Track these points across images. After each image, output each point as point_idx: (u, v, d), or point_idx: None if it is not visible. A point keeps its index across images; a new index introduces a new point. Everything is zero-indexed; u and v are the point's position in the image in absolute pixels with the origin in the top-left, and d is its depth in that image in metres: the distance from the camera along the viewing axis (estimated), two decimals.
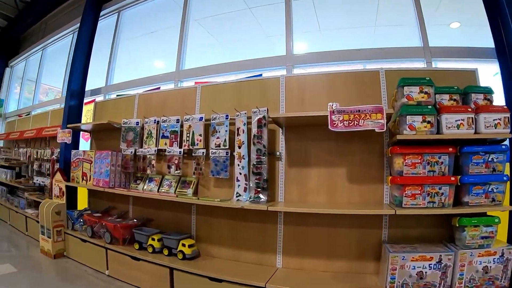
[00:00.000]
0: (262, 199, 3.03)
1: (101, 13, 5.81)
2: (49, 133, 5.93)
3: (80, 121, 5.32)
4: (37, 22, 8.11)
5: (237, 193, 3.23)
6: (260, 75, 4.21)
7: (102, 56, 5.79)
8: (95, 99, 5.45)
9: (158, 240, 3.60)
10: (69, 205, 4.88)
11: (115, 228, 3.90)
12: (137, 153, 4.14)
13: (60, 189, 4.99)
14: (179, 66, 4.70)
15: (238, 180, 3.25)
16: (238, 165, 3.25)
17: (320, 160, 3.14)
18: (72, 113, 5.27)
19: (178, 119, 3.85)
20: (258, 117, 3.13)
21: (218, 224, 3.56)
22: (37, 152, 6.25)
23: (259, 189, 3.08)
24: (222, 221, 3.51)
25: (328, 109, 2.66)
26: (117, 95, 5.27)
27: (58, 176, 5.03)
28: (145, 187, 4.06)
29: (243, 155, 3.21)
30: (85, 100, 5.70)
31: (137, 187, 4.14)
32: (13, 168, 7.09)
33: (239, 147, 3.25)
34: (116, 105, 4.77)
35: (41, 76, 8.02)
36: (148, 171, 4.01)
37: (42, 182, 6.08)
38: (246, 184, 3.17)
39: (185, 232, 3.68)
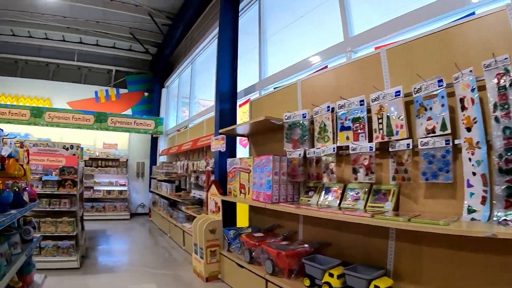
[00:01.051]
0: None
1: (241, 6, 5.30)
2: (204, 143, 5.71)
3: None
4: (182, 39, 8.68)
5: (468, 206, 2.00)
6: (473, 13, 2.46)
7: (253, 53, 5.22)
8: (249, 99, 4.83)
9: (338, 277, 2.42)
10: (226, 222, 4.25)
11: (278, 256, 2.87)
12: (307, 155, 3.06)
13: (216, 203, 4.44)
14: (348, 31, 3.43)
15: (470, 186, 2.02)
16: (470, 159, 1.99)
17: None
18: (225, 117, 4.76)
19: (363, 100, 2.65)
20: (498, 73, 1.81)
21: (431, 256, 2.15)
22: (193, 164, 6.16)
23: None
24: (437, 251, 2.13)
25: None
26: (274, 88, 4.44)
27: (213, 189, 4.51)
28: (320, 200, 2.93)
29: (478, 143, 1.93)
30: (239, 102, 5.19)
31: (309, 201, 3.04)
32: (172, 182, 7.39)
33: (469, 130, 1.97)
34: (274, 99, 3.93)
35: (193, 88, 8.42)
36: (325, 179, 2.86)
37: (199, 195, 5.88)
38: (485, 191, 1.91)
39: (378, 266, 2.48)
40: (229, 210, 4.34)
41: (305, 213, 2.82)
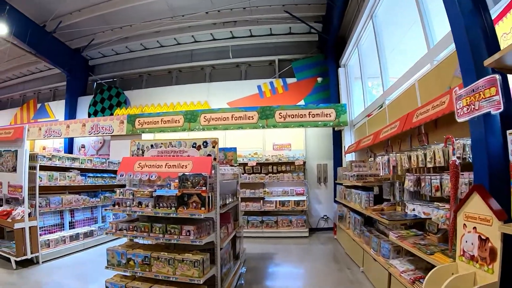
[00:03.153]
0: None
1: None
2: (424, 117, 2.73)
3: None
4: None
5: None
6: None
7: None
8: None
9: None
10: None
11: None
12: None
13: (484, 240, 1.35)
14: None
15: None
16: None
17: None
18: (476, 41, 2.15)
19: None
20: None
21: None
22: (405, 158, 3.21)
23: None
24: None
25: None
26: None
27: (475, 204, 1.53)
28: None
29: None
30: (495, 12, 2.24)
31: None
32: (369, 189, 4.63)
33: None
34: None
35: (382, 49, 5.43)
36: None
37: (422, 212, 2.85)
38: None
39: None
40: None
41: None
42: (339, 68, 8.13)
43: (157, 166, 3.37)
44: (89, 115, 9.69)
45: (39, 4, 7.83)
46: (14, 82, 12.25)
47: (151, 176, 3.28)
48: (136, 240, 3.61)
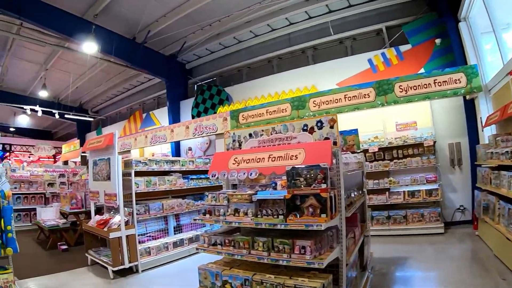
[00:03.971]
0: None
1: None
2: None
3: None
4: None
5: None
6: None
7: None
8: None
9: None
10: None
11: None
12: None
13: None
14: None
15: None
16: None
17: None
18: None
19: None
20: None
21: None
22: None
23: None
24: None
25: None
26: None
27: None
28: None
29: None
30: None
31: None
32: None
33: None
34: None
35: None
36: None
37: None
38: None
39: None
40: None
41: None
42: (459, 23, 6.19)
43: (258, 160, 2.47)
44: (193, 117, 9.74)
45: (124, 18, 8.16)
46: (120, 98, 13.71)
47: (250, 174, 2.32)
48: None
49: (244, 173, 2.48)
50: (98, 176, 4.94)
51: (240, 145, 3.07)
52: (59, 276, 4.45)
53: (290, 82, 8.31)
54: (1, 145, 17.68)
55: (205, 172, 6.30)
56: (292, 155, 2.37)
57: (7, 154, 18.17)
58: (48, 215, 6.61)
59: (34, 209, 7.58)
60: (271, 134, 2.77)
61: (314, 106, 6.78)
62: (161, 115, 11.28)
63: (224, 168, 2.69)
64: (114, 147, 4.58)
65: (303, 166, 2.23)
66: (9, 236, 3.28)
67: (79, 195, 6.57)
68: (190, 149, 10.17)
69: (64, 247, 5.93)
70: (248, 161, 2.58)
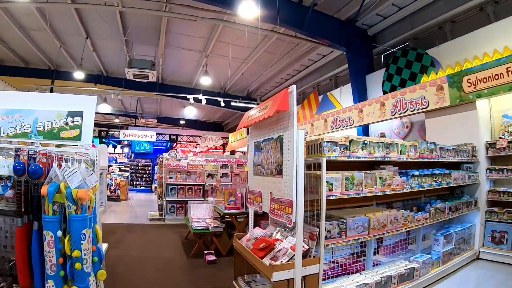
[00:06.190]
0: None
1: None
2: None
3: None
4: None
5: None
6: None
7: None
8: None
9: None
10: None
11: None
12: None
13: None
14: None
15: None
16: None
17: None
18: None
19: None
20: None
21: None
22: None
23: None
24: None
25: None
26: None
27: None
28: None
29: None
30: None
31: None
32: None
33: None
34: None
35: None
36: None
37: None
38: None
39: None
40: None
41: None
42: None
43: None
44: (384, 93, 7.11)
45: None
46: (290, 82, 12.18)
47: None
48: None
49: None
50: (262, 168, 3.06)
51: None
52: None
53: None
54: (169, 136, 19.88)
55: (433, 165, 3.81)
56: None
57: (174, 144, 20.16)
58: (199, 213, 5.40)
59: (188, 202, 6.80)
60: None
61: None
62: (342, 96, 9.22)
63: None
64: (291, 114, 2.53)
65: None
66: (77, 267, 1.74)
67: (240, 191, 5.13)
68: (382, 134, 7.65)
69: (212, 258, 4.55)
70: None
